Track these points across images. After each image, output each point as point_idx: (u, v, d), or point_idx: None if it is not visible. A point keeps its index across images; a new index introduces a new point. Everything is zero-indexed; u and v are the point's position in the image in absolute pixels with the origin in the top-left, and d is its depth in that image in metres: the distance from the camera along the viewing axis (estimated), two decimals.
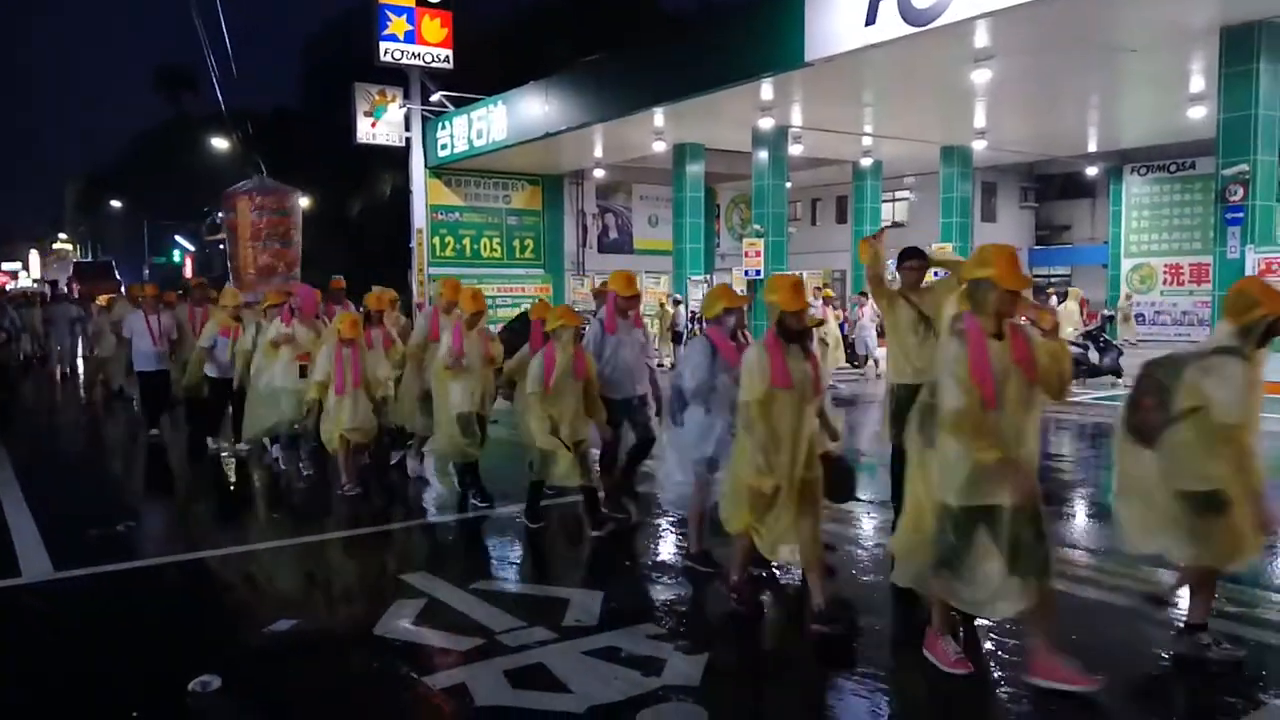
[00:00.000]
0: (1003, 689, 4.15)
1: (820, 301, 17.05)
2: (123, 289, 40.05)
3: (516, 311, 19.42)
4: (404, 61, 26.32)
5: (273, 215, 18.79)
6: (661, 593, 5.52)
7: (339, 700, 4.22)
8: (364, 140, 27.49)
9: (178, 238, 63.50)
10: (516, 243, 31.04)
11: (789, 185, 24.72)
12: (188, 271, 59.88)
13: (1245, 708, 3.93)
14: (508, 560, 6.32)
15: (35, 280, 70.57)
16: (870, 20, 15.67)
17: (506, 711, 3.96)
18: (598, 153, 27.13)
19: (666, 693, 4.06)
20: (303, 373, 8.53)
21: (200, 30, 23.21)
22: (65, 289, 38.85)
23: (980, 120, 22.67)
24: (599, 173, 29.97)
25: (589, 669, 4.31)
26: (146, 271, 56.65)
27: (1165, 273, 29.60)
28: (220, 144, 41.07)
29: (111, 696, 4.23)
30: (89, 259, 61.03)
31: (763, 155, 23.04)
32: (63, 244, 73.07)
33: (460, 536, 7.17)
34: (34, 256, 79.57)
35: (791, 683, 4.42)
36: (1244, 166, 15.19)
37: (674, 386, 5.80)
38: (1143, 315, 29.41)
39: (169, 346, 11.38)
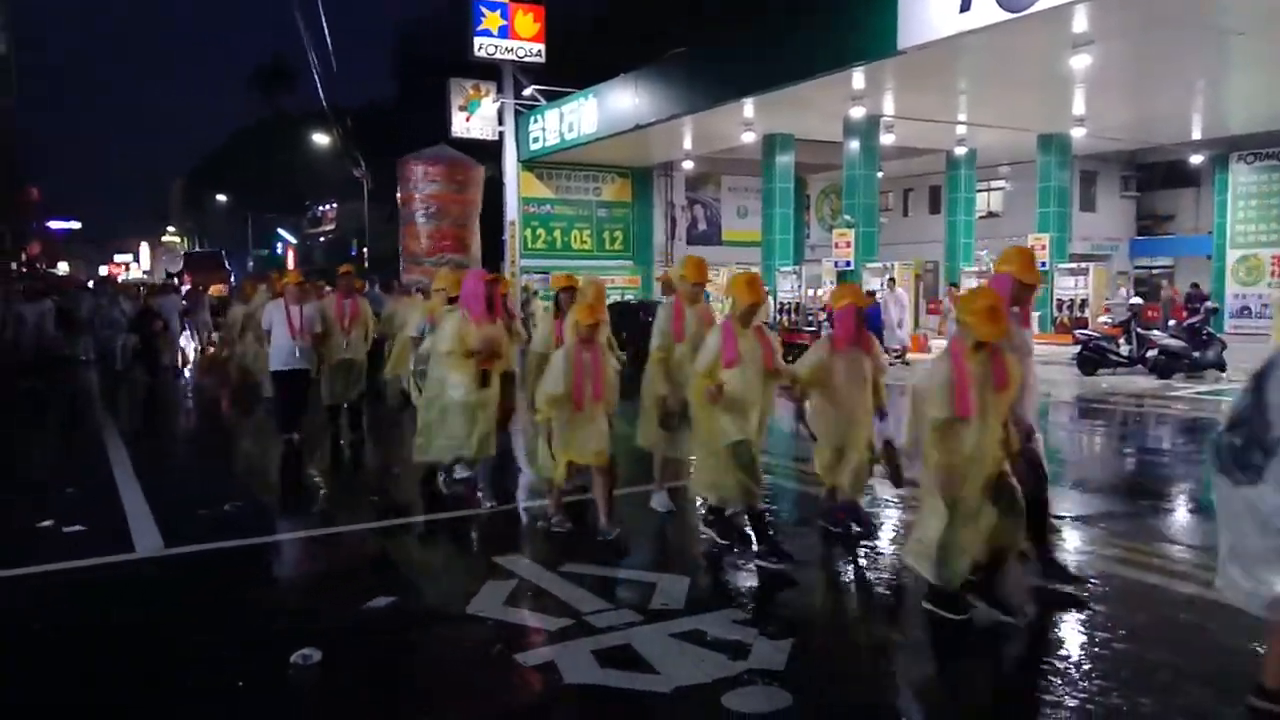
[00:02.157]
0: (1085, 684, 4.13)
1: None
2: (229, 279, 41.21)
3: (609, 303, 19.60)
4: (497, 56, 26.72)
5: (448, 189, 17.08)
6: (746, 579, 5.59)
7: (433, 674, 4.40)
8: (459, 134, 27.98)
9: (280, 230, 65.57)
10: (606, 235, 31.31)
11: (880, 175, 24.44)
12: (290, 263, 61.77)
13: None
14: (595, 543, 6.45)
15: (145, 272, 73.57)
16: (965, 7, 15.42)
17: (594, 689, 4.08)
18: (687, 144, 27.19)
19: (752, 676, 4.13)
20: (483, 381, 7.26)
21: (301, 27, 23.90)
22: (173, 280, 39.03)
23: (1079, 107, 22.09)
24: (688, 164, 30.03)
25: (676, 651, 4.40)
26: (251, 263, 58.56)
27: (1273, 264, 28.42)
28: (320, 139, 42.20)
29: (218, 667, 4.45)
30: (195, 250, 63.13)
31: (854, 145, 22.83)
32: (170, 237, 75.98)
33: (548, 520, 7.32)
34: (144, 249, 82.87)
35: (877, 669, 4.46)
36: None
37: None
38: (1249, 308, 28.31)
39: (312, 342, 9.90)
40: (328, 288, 12.91)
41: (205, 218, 74.20)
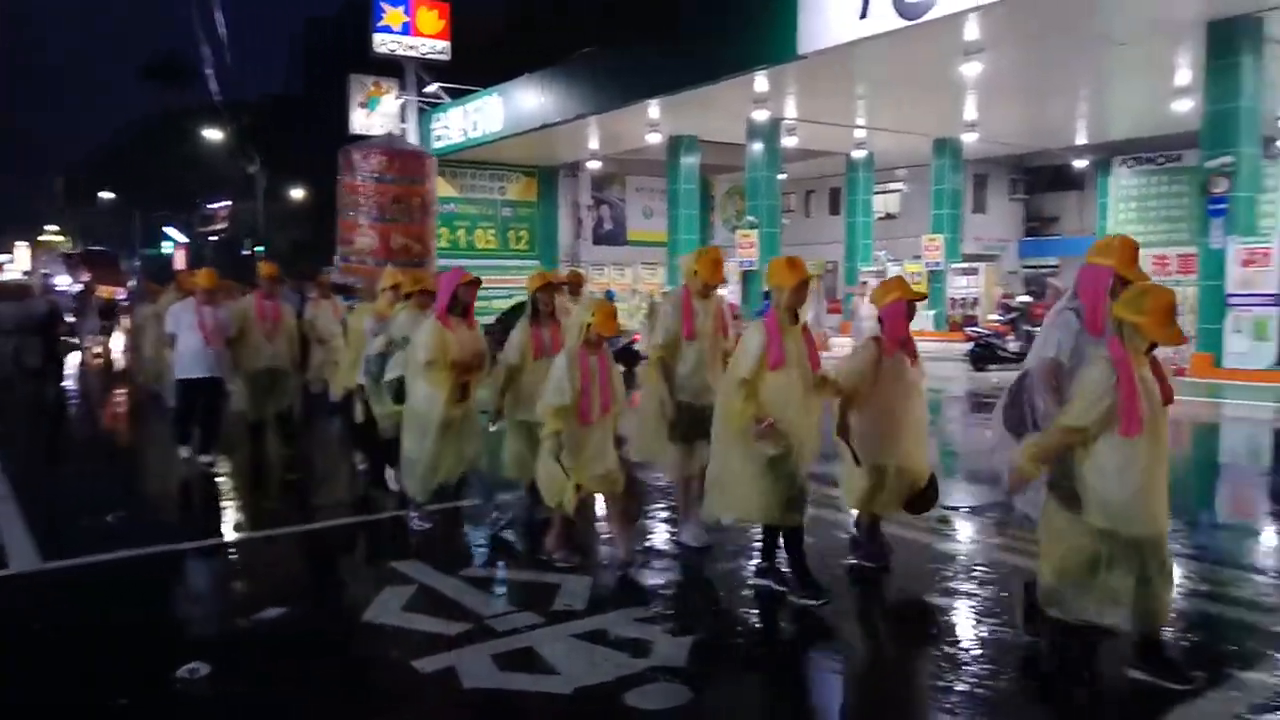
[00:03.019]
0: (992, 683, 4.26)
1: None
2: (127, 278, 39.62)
3: (511, 303, 19.46)
4: (399, 53, 26.38)
5: (399, 183, 14.86)
6: (649, 577, 5.61)
7: (326, 685, 4.29)
8: (359, 131, 27.50)
9: (169, 230, 63.40)
10: (511, 234, 31.16)
11: (783, 177, 24.83)
12: (179, 263, 59.78)
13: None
14: (496, 547, 6.40)
15: (25, 272, 70.33)
16: (863, 14, 15.80)
17: (494, 694, 4.04)
18: (593, 144, 27.21)
19: (653, 674, 4.14)
20: (463, 394, 6.41)
21: (195, 18, 23.12)
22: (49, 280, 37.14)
23: (971, 113, 22.81)
24: (594, 164, 30.05)
25: (577, 651, 4.39)
26: (138, 263, 56.56)
27: (1153, 264, 29.70)
28: (213, 135, 41.00)
29: (101, 683, 4.27)
30: (78, 250, 60.57)
31: (757, 147, 23.15)
32: (52, 236, 72.76)
33: (449, 524, 7.24)
34: (20, 248, 79.19)
35: (775, 663, 4.52)
36: (1228, 159, 15.35)
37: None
38: None
39: (227, 348, 8.92)
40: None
41: (90, 216, 71.31)
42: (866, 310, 19.55)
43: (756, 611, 5.05)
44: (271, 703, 4.12)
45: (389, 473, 7.60)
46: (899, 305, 5.29)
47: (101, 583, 5.84)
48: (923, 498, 5.49)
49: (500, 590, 5.29)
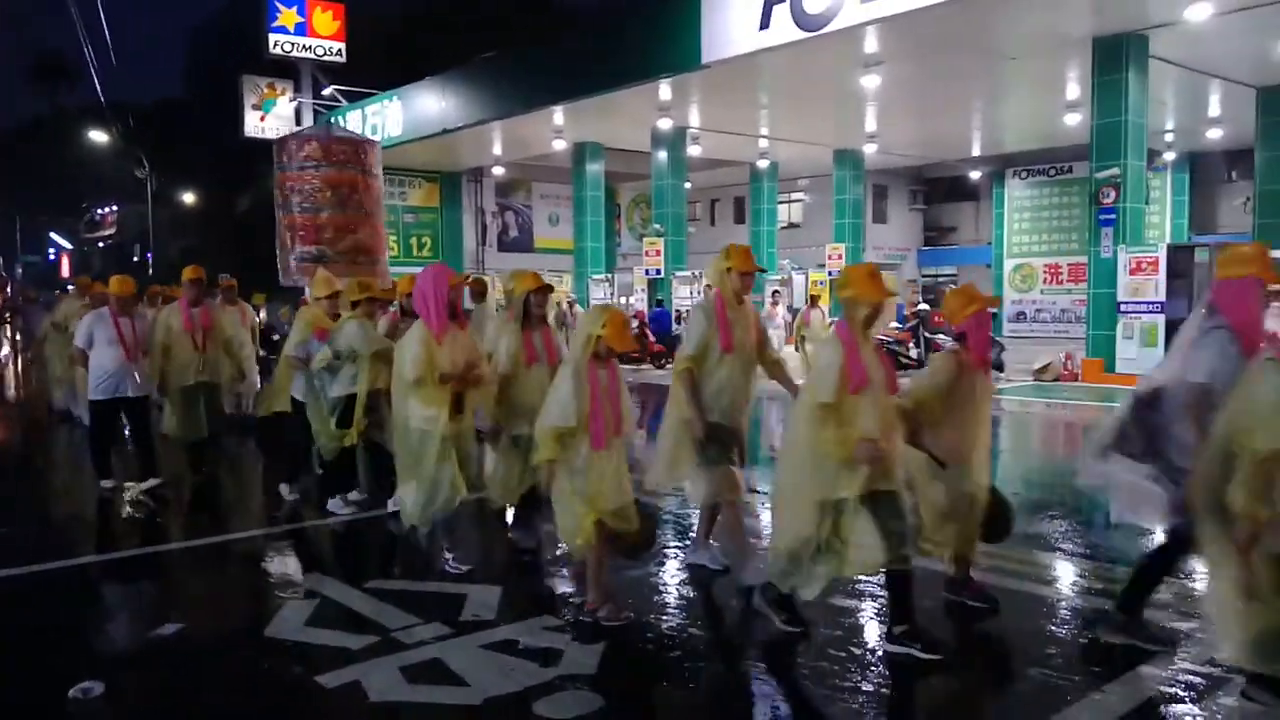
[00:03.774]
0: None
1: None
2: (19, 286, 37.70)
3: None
4: (294, 54, 25.82)
5: (340, 170, 13.51)
6: (559, 586, 5.55)
7: (226, 702, 4.14)
8: (252, 134, 26.91)
9: (53, 235, 60.88)
10: (414, 240, 30.71)
11: (688, 185, 25.02)
12: (64, 270, 57.47)
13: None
14: (402, 559, 6.25)
15: None
16: (764, 24, 16.00)
17: (402, 706, 3.95)
18: (496, 150, 27.01)
19: (563, 682, 4.09)
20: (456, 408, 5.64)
21: (76, 16, 22.28)
22: None
23: (871, 124, 23.30)
24: (498, 170, 29.85)
25: (486, 662, 4.32)
26: (19, 270, 54.15)
27: (1045, 272, 30.84)
28: (99, 137, 39.52)
29: None
30: None
31: (662, 155, 23.26)
32: None
33: (354, 537, 7.06)
34: None
35: (684, 669, 4.50)
36: (1115, 170, 15.97)
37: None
38: (1024, 313, 30.63)
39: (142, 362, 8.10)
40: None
41: None
42: (780, 317, 19.71)
43: (667, 618, 5.03)
44: None
45: (336, 501, 7.28)
46: (982, 315, 4.79)
47: None
48: (1000, 523, 5.04)
49: (407, 602, 5.16)
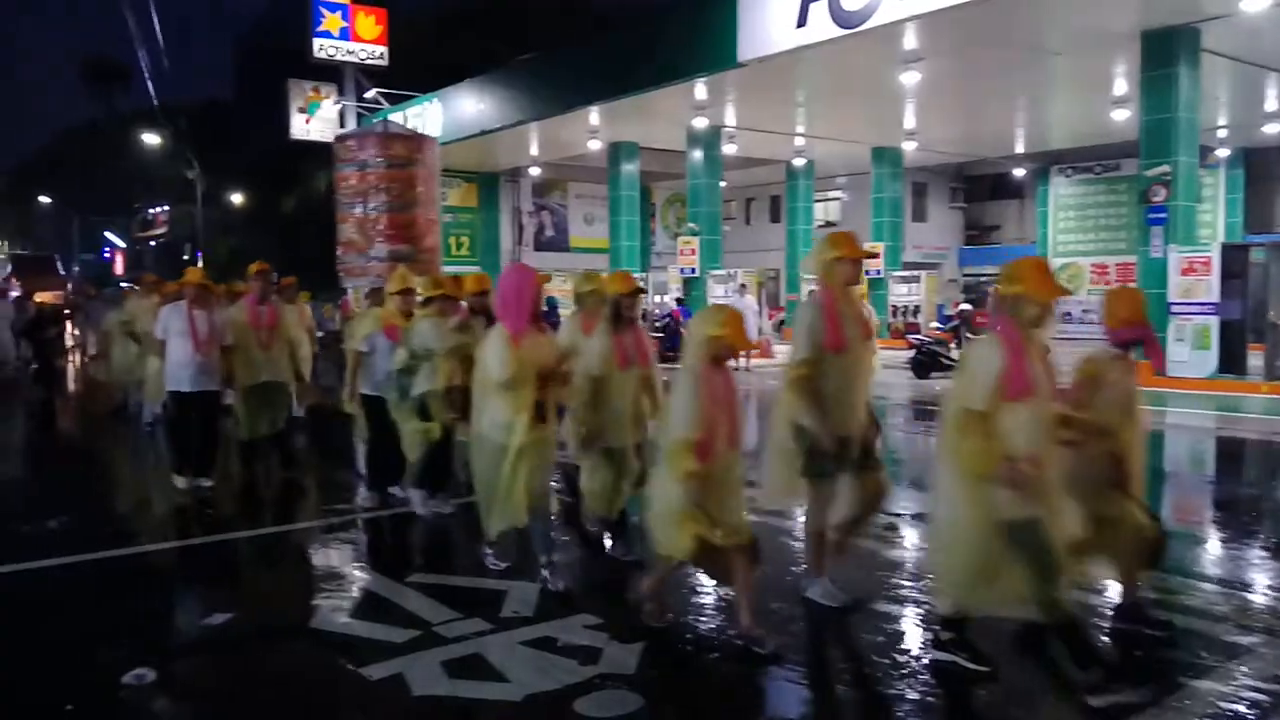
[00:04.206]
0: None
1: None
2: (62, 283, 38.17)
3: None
4: (338, 58, 26.10)
5: (399, 169, 13.25)
6: (598, 584, 5.58)
7: (273, 692, 4.22)
8: (298, 137, 27.22)
9: (108, 234, 62.10)
10: (452, 240, 30.89)
11: (723, 184, 24.96)
12: (118, 268, 58.51)
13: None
14: (445, 554, 6.32)
15: None
16: (801, 22, 15.93)
17: (443, 701, 3.99)
18: (533, 151, 27.13)
19: (602, 681, 4.11)
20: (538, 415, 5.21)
21: (131, 22, 22.59)
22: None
23: (910, 121, 23.11)
24: (535, 171, 29.96)
25: (526, 658, 4.35)
26: (76, 268, 55.27)
27: (1092, 272, 30.41)
28: (151, 139, 40.20)
29: (47, 687, 4.19)
30: (23, 253, 58.76)
31: (697, 154, 23.24)
32: None
33: (398, 531, 7.15)
34: None
35: (723, 671, 4.51)
36: (1165, 168, 15.64)
37: None
38: (1070, 314, 30.21)
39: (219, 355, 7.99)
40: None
41: (28, 219, 69.64)
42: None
43: (707, 619, 5.04)
44: (216, 710, 4.06)
45: (411, 493, 7.17)
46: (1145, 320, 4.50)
47: (50, 587, 5.70)
48: (1159, 546, 4.57)
49: (449, 596, 5.21)
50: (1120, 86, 19.05)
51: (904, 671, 4.26)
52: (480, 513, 5.32)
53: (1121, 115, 20.46)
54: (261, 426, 8.29)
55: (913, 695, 4.03)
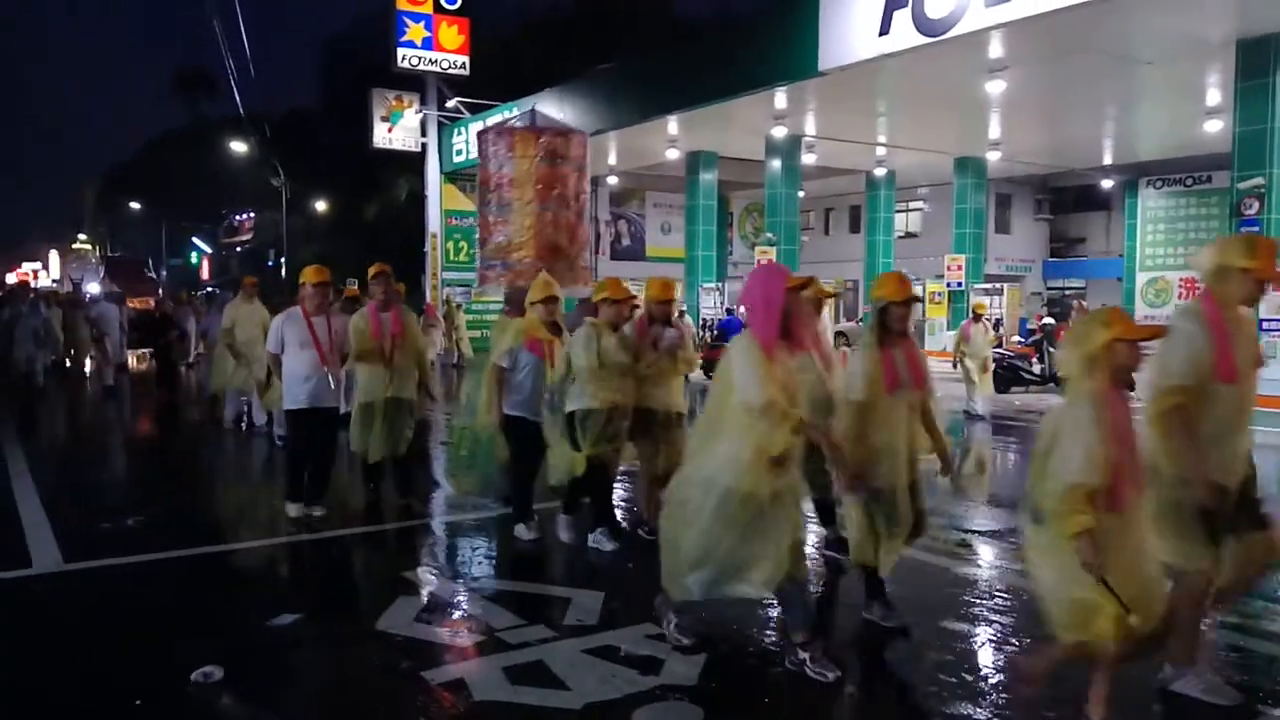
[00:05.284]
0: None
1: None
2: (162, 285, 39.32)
3: None
4: (421, 68, 26.52)
5: (554, 165, 12.19)
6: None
7: (337, 692, 4.26)
8: (380, 145, 27.74)
9: (195, 240, 64.09)
10: None
11: (802, 194, 24.78)
12: (205, 274, 60.38)
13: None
14: (509, 559, 6.34)
15: (55, 280, 71.18)
16: (884, 30, 15.71)
17: (504, 707, 3.98)
18: (611, 160, 27.25)
19: (664, 692, 4.07)
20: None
21: (219, 33, 23.36)
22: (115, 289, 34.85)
23: (994, 131, 22.69)
24: (612, 180, 30.10)
25: (588, 667, 4.33)
26: (164, 272, 57.11)
27: (1181, 286, 29.50)
28: (238, 147, 41.36)
29: (117, 683, 4.28)
30: (116, 255, 60.89)
31: (776, 164, 23.10)
32: (82, 244, 73.72)
33: (462, 535, 7.19)
34: (53, 256, 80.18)
35: (785, 686, 4.43)
36: (1259, 180, 15.13)
37: None
38: None
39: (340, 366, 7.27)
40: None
41: (119, 224, 72.32)
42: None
43: (770, 632, 4.96)
44: (282, 709, 4.11)
45: (560, 519, 6.54)
46: None
47: (123, 584, 5.85)
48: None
49: (512, 603, 5.22)
50: (1213, 97, 18.44)
51: (973, 691, 4.13)
52: (667, 572, 4.42)
53: (1214, 126, 19.80)
54: (382, 448, 7.43)
55: (980, 715, 3.91)
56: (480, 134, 13.28)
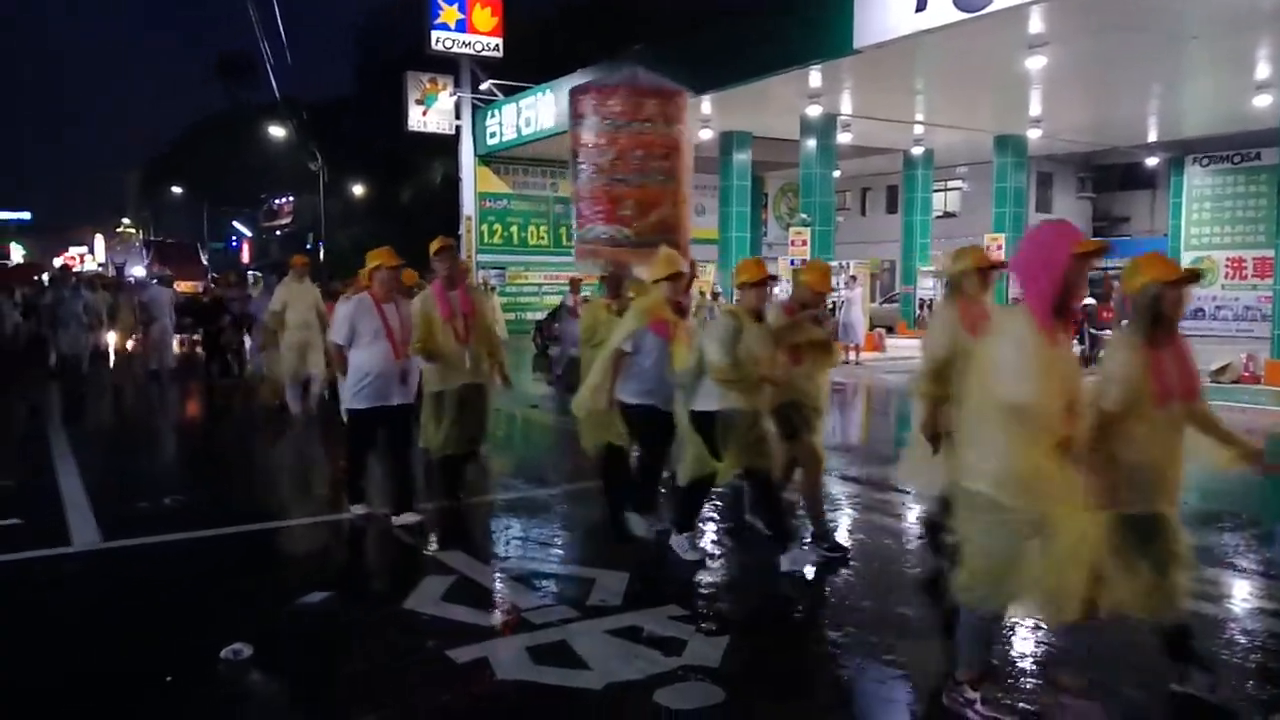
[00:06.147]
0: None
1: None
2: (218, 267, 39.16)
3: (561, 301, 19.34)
4: (455, 50, 26.53)
5: (653, 130, 10.66)
6: (686, 576, 5.52)
7: (364, 669, 4.29)
8: (415, 128, 27.80)
9: (236, 224, 64.82)
10: (563, 230, 31.15)
11: (837, 174, 24.52)
12: (245, 257, 61.04)
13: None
14: (536, 540, 6.35)
15: (100, 264, 72.32)
16: (921, 6, 15.47)
17: (526, 686, 4.00)
18: None
19: (685, 673, 4.07)
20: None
21: (255, 18, 23.48)
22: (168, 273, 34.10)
23: (1035, 108, 22.29)
24: None
25: (610, 647, 4.34)
26: (206, 257, 57.79)
27: (1227, 266, 28.92)
28: (276, 132, 41.67)
29: (149, 658, 4.35)
30: (163, 239, 61.49)
31: (811, 143, 22.87)
32: (126, 228, 74.91)
33: (490, 516, 7.21)
34: (99, 240, 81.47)
35: (810, 665, 4.41)
36: None
37: None
38: (1202, 310, 28.75)
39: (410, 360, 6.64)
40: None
41: (162, 209, 73.35)
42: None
43: (793, 614, 4.94)
44: (308, 685, 4.16)
45: (675, 540, 5.80)
46: None
47: (159, 563, 5.95)
48: None
49: (538, 583, 5.24)
50: (1262, 71, 17.96)
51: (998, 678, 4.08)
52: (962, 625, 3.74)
53: (1263, 101, 19.31)
54: (459, 441, 6.83)
55: (1007, 701, 3.86)
56: (572, 92, 11.68)
